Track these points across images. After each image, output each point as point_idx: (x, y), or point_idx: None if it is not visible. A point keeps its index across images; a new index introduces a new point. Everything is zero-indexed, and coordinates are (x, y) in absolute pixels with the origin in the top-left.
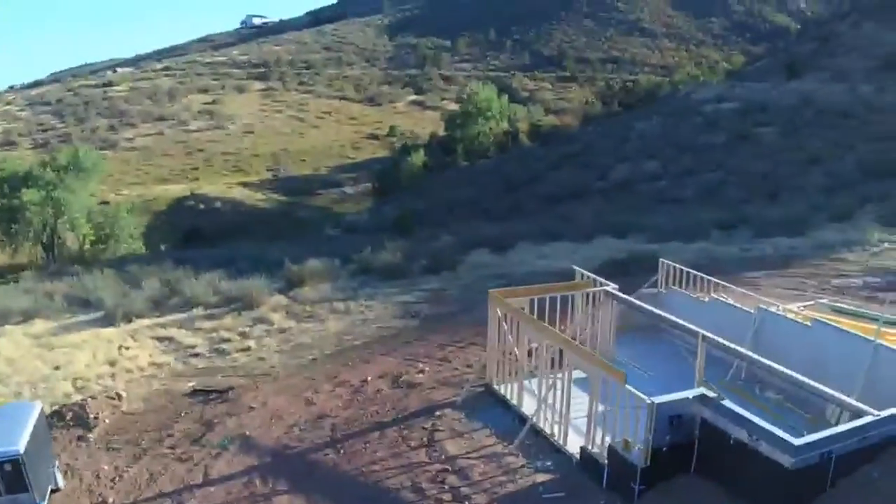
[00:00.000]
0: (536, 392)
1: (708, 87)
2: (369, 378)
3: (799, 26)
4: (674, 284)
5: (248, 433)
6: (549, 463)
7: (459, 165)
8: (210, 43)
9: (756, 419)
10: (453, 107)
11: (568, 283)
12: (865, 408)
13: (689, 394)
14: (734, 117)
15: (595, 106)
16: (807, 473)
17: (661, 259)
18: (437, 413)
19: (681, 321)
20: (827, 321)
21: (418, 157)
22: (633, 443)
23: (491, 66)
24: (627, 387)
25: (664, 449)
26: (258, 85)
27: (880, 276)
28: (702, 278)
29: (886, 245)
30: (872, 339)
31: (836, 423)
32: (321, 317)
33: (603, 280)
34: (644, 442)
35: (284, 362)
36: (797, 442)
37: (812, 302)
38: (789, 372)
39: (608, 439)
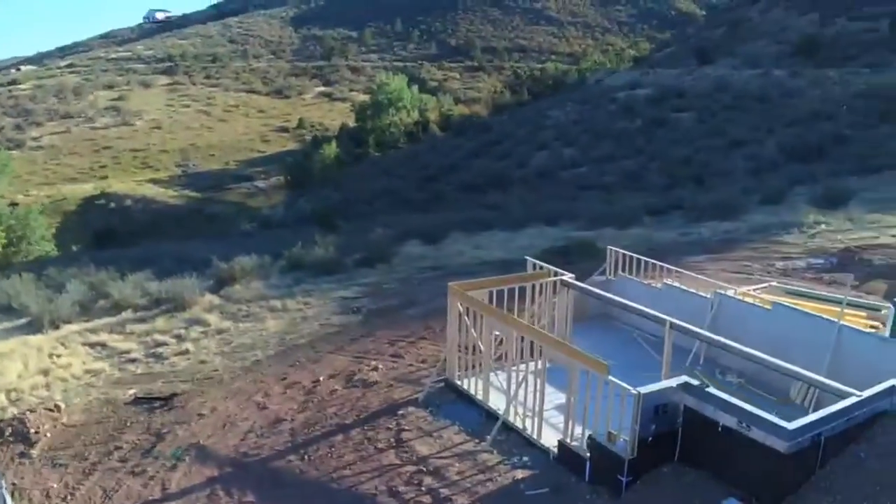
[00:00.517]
0: (504, 386)
1: (620, 74)
2: (321, 378)
3: (704, 13)
4: (622, 271)
5: (201, 442)
6: (525, 459)
7: (371, 156)
8: (113, 39)
9: (746, 405)
10: (362, 98)
11: (526, 273)
12: (848, 389)
13: (673, 382)
14: (649, 103)
15: (504, 95)
16: (799, 457)
17: (608, 246)
18: (400, 412)
19: (646, 309)
20: (787, 304)
21: (330, 149)
22: (617, 434)
23: (398, 57)
24: (611, 378)
25: (650, 439)
26: (164, 80)
27: (823, 257)
28: (653, 265)
29: (823, 227)
30: (836, 320)
31: (803, 403)
32: (259, 316)
33: (558, 269)
34: (630, 433)
35: (227, 365)
36: (791, 426)
37: (766, 284)
38: (763, 356)
39: (586, 432)
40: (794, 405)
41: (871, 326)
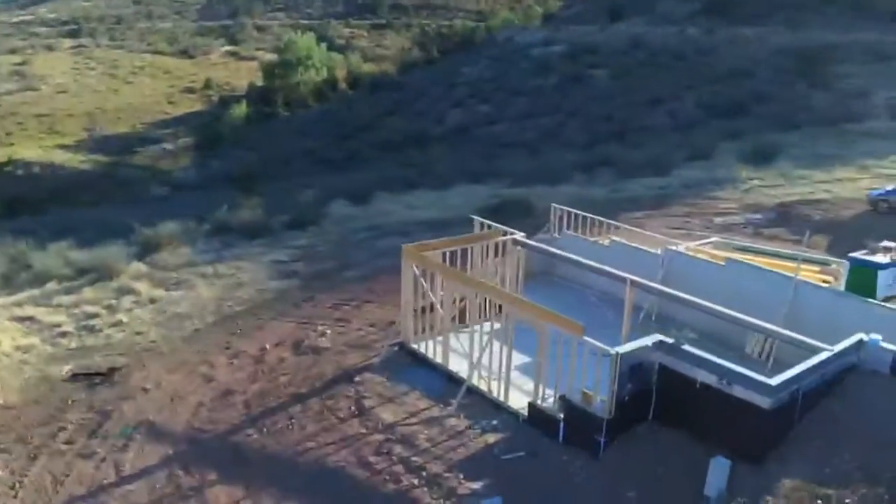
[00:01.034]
0: (466, 349)
1: (532, 31)
2: (267, 346)
3: None
4: (568, 229)
5: (150, 419)
6: (494, 422)
7: (282, 116)
8: (15, 2)
9: (725, 363)
10: (269, 57)
11: (478, 233)
12: (821, 344)
13: (648, 340)
14: (564, 60)
15: (413, 52)
16: (781, 413)
17: (552, 204)
18: (357, 378)
19: (606, 268)
20: (741, 260)
21: (240, 109)
22: (593, 395)
23: (304, 15)
24: (587, 338)
25: (626, 399)
26: (68, 43)
27: (760, 213)
28: (599, 222)
29: (756, 182)
30: (792, 275)
31: (760, 357)
32: (190, 283)
33: (508, 229)
34: (608, 393)
35: (165, 335)
36: (774, 382)
37: (710, 240)
38: (736, 314)
39: (555, 394)
40: (749, 359)
41: (824, 281)
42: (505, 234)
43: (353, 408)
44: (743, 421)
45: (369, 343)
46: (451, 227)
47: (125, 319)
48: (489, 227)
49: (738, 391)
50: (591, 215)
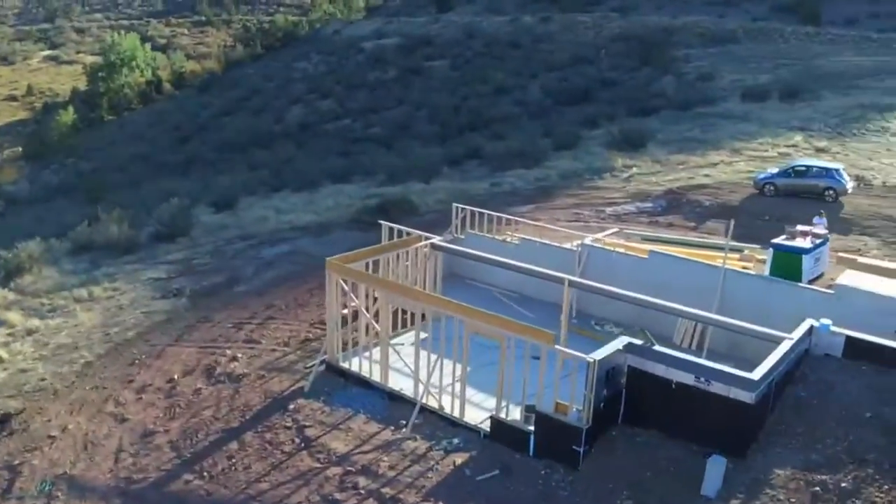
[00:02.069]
0: (404, 364)
1: (362, 24)
2: (176, 376)
3: None
4: (471, 228)
5: (68, 472)
6: (456, 441)
7: (109, 121)
8: None
9: (700, 360)
10: (91, 59)
11: (399, 240)
12: (781, 333)
13: (619, 344)
14: (399, 52)
15: (237, 49)
16: (760, 406)
17: (454, 204)
18: (290, 406)
19: (540, 269)
20: (664, 252)
21: (66, 116)
22: (568, 405)
23: (124, 15)
24: (558, 346)
25: (601, 405)
26: None
27: (650, 200)
28: (501, 219)
29: (635, 170)
30: (720, 265)
31: (691, 347)
32: (67, 309)
33: (426, 234)
34: (585, 401)
35: (55, 371)
36: (755, 377)
37: (614, 230)
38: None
39: (507, 406)
40: (677, 348)
41: (744, 267)
42: (421, 238)
43: (296, 439)
44: (724, 417)
45: (289, 365)
46: (331, 232)
47: (4, 355)
48: (408, 233)
49: (718, 388)
50: (495, 213)
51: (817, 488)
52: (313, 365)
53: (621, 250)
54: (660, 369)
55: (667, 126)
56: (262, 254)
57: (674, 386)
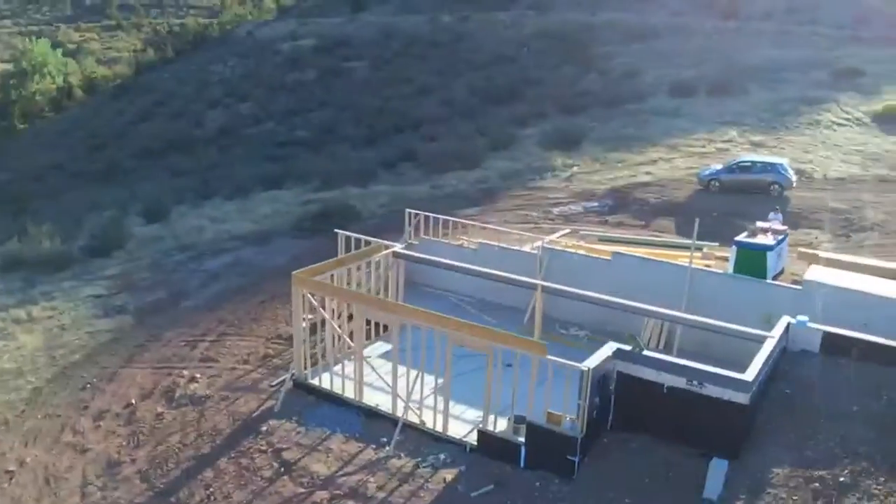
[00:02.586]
0: (387, 380)
1: (276, 25)
2: (133, 400)
3: None
4: (424, 234)
5: None
6: (442, 456)
7: (20, 129)
8: None
9: (692, 364)
10: (1, 67)
11: (363, 249)
12: (762, 332)
13: (608, 350)
14: (317, 53)
15: (149, 53)
16: (753, 405)
17: (407, 209)
18: (263, 428)
19: (513, 276)
20: (628, 253)
21: None
22: (562, 415)
23: (33, 21)
24: (550, 357)
25: (594, 413)
26: None
27: (596, 199)
28: (452, 223)
29: (575, 169)
30: (686, 264)
31: (659, 346)
32: (5, 331)
33: (385, 241)
34: (579, 410)
35: (1, 399)
36: (749, 377)
37: (567, 230)
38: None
39: (491, 417)
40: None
41: (706, 265)
42: (383, 247)
43: (274, 463)
44: (718, 419)
45: (253, 384)
46: (272, 240)
47: None
48: (366, 242)
49: (712, 390)
50: (450, 218)
51: (816, 484)
52: (279, 382)
53: (583, 252)
54: (650, 374)
55: (598, 124)
56: (205, 266)
57: (665, 390)
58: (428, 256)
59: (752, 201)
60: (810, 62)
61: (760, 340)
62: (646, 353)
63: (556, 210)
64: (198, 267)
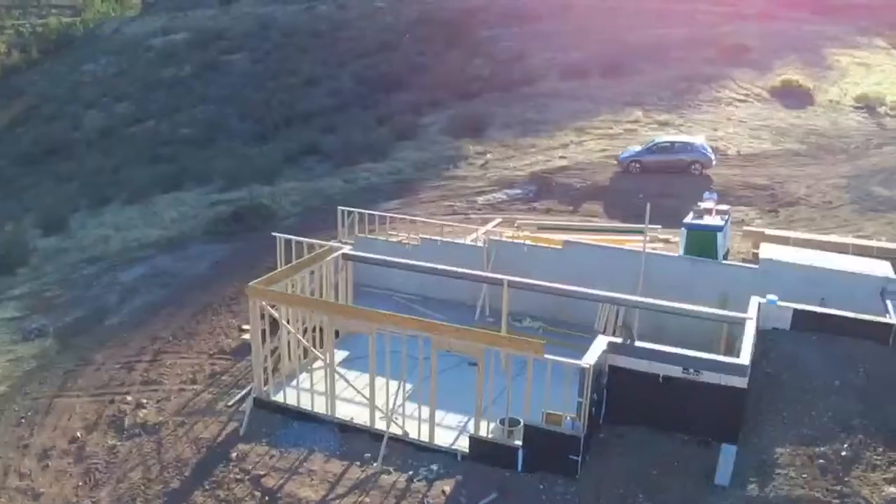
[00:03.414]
0: (361, 391)
1: (145, 21)
2: (79, 434)
3: None
4: (359, 232)
5: None
6: (434, 467)
7: None
8: None
9: (686, 352)
10: None
11: (315, 253)
12: (741, 314)
13: (602, 345)
14: (191, 48)
15: (13, 55)
16: (749, 389)
17: (339, 207)
18: (232, 454)
19: (478, 272)
20: (580, 241)
21: None
22: (562, 414)
23: None
24: (548, 356)
25: (593, 410)
26: None
27: (519, 186)
28: (385, 218)
29: (489, 156)
30: (640, 249)
31: (614, 333)
32: None
33: (333, 243)
34: (580, 408)
35: None
36: (744, 361)
37: (499, 220)
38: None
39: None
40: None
41: (645, 246)
42: (332, 249)
43: (256, 492)
44: (716, 404)
45: (208, 405)
46: (187, 246)
47: None
48: (311, 246)
49: (709, 377)
50: (385, 213)
51: (822, 461)
52: (237, 401)
53: (530, 242)
54: (644, 365)
55: (496, 108)
56: (120, 279)
57: (661, 380)
58: (380, 257)
59: (675, 181)
60: (696, 40)
61: (741, 322)
62: (639, 344)
63: (480, 199)
64: (113, 280)
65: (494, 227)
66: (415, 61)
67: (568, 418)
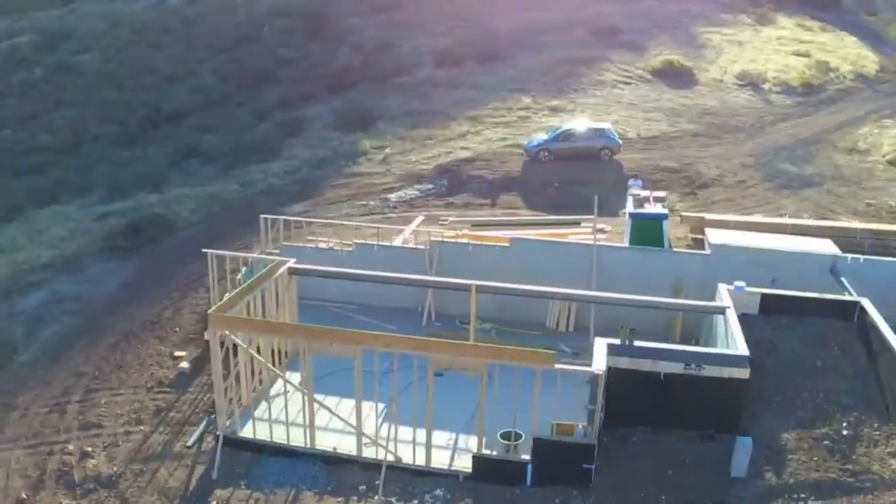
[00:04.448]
0: (345, 418)
1: None
2: (24, 494)
3: None
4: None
5: None
6: (438, 492)
7: None
8: None
9: (687, 348)
10: None
11: (264, 271)
12: (720, 304)
13: (603, 348)
14: (39, 50)
15: None
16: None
17: (262, 215)
18: (209, 501)
19: (451, 280)
20: (527, 237)
21: None
22: (573, 423)
23: None
24: (559, 365)
25: (601, 416)
26: None
27: (429, 181)
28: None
29: (388, 150)
30: (592, 242)
31: (567, 329)
32: None
33: (279, 257)
34: (592, 416)
35: None
36: (745, 352)
37: (420, 218)
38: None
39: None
40: (555, 333)
41: (596, 239)
42: (279, 264)
43: None
44: (719, 397)
45: (165, 448)
46: (85, 267)
47: None
48: (246, 260)
49: (712, 370)
50: (312, 220)
51: (826, 442)
52: (195, 441)
53: (476, 242)
54: (646, 364)
55: (376, 100)
56: (20, 307)
57: (662, 377)
58: (332, 269)
59: (586, 168)
60: (565, 23)
61: (721, 311)
62: (637, 343)
63: (392, 197)
64: (11, 309)
65: (419, 226)
66: (278, 54)
67: (580, 427)
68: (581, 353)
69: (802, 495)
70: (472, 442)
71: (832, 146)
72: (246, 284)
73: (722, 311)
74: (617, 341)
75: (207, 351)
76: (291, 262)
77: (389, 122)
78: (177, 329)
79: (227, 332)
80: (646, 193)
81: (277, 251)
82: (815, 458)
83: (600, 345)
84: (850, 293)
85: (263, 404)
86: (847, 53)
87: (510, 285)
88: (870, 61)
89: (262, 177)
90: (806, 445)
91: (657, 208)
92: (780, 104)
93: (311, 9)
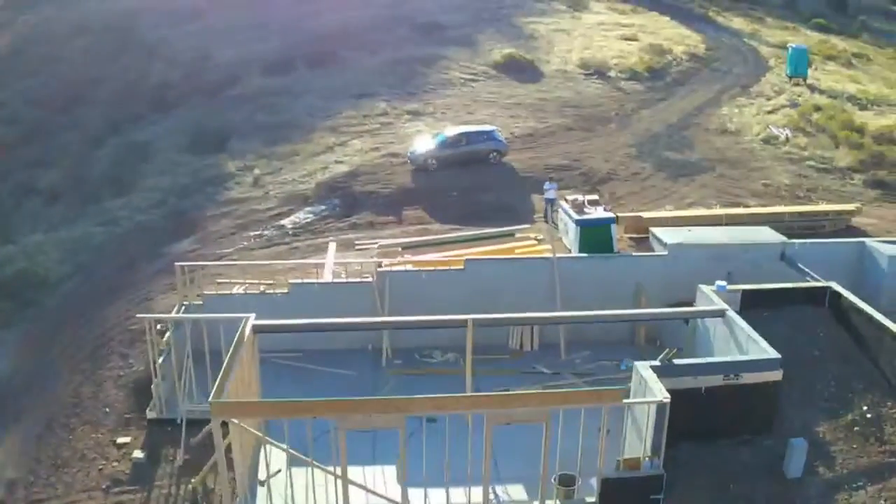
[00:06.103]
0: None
1: None
2: None
3: None
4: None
5: None
6: None
7: None
8: None
9: (722, 359)
10: None
11: (238, 336)
12: (721, 306)
13: (650, 371)
14: None
15: None
16: None
17: (177, 263)
18: None
19: (441, 317)
20: (481, 258)
21: None
22: (640, 457)
23: None
24: (626, 401)
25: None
26: None
27: (317, 203)
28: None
29: (257, 171)
30: (551, 256)
31: (532, 348)
32: None
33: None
34: (656, 446)
35: None
36: (775, 353)
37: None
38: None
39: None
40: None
41: (542, 251)
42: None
43: None
44: (755, 402)
45: None
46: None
47: None
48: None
49: (749, 377)
50: (233, 262)
51: (857, 428)
52: None
53: (428, 269)
54: (688, 381)
55: (216, 116)
56: None
57: (703, 391)
58: (290, 322)
59: (479, 173)
60: (388, 20)
61: (720, 315)
62: (676, 361)
63: (287, 223)
64: None
65: (338, 256)
66: (89, 73)
67: (647, 459)
68: (561, 371)
69: (859, 483)
70: (512, 491)
71: (703, 129)
72: (231, 358)
73: (721, 313)
74: (656, 362)
75: (156, 432)
76: (252, 319)
77: (243, 140)
78: (106, 409)
79: (234, 420)
80: (580, 198)
81: (200, 303)
82: (855, 446)
83: (646, 369)
84: (813, 278)
85: (261, 491)
86: (670, 34)
87: (512, 315)
88: (694, 41)
89: (126, 213)
90: (840, 435)
91: (601, 213)
92: (632, 90)
93: (114, 23)
